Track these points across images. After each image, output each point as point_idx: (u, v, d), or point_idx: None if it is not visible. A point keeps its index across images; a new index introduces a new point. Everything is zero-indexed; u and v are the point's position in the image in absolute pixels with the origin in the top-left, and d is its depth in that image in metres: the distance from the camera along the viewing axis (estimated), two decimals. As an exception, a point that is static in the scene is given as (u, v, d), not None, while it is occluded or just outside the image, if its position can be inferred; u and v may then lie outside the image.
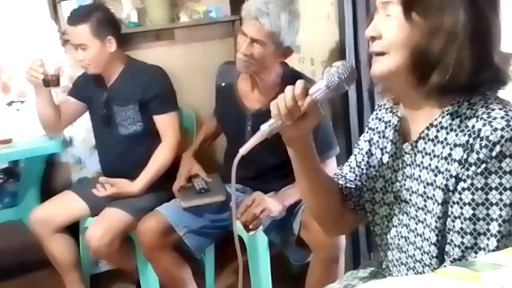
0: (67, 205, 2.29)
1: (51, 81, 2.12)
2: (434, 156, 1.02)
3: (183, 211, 2.03)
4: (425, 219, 1.04)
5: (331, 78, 1.03)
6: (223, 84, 2.13)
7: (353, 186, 1.24)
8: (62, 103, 2.38)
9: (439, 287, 0.69)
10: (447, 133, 1.00)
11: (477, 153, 0.93)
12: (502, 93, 1.03)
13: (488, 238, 0.94)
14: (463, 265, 0.75)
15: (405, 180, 1.10)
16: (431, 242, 1.03)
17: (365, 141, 1.24)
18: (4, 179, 2.61)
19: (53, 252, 2.27)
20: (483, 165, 0.92)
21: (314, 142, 1.13)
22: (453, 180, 0.97)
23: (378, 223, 1.19)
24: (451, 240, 0.98)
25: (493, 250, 0.93)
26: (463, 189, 0.95)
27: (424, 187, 1.04)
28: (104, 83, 2.31)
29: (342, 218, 1.26)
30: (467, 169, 0.94)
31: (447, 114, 1.01)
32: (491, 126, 0.92)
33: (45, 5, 2.56)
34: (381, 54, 1.01)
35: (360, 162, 1.24)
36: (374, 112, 1.24)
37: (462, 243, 0.96)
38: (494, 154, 0.91)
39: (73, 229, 2.34)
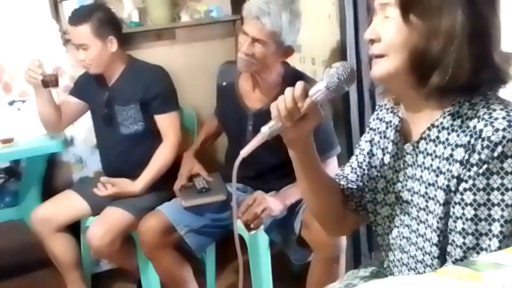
0: (68, 205, 2.29)
1: (49, 82, 2.12)
2: (436, 156, 1.02)
3: (184, 211, 2.03)
4: (426, 219, 1.04)
5: (331, 79, 1.03)
6: (224, 84, 2.14)
7: (355, 187, 1.24)
8: (63, 102, 2.38)
9: (440, 287, 0.69)
10: (449, 134, 1.00)
11: (479, 153, 0.93)
12: (503, 93, 1.03)
13: (490, 239, 0.94)
14: (464, 264, 0.75)
15: (406, 180, 1.10)
16: (432, 242, 1.03)
17: (366, 141, 1.24)
18: (5, 178, 2.62)
19: (54, 251, 2.27)
20: (485, 166, 0.92)
21: (315, 142, 1.13)
22: (454, 180, 0.97)
23: (380, 224, 1.19)
24: (453, 241, 0.98)
25: (495, 251, 0.92)
26: (465, 189, 0.95)
27: (426, 187, 1.04)
28: (105, 82, 2.31)
29: (344, 219, 1.26)
30: (469, 170, 0.94)
31: (448, 115, 1.01)
32: (493, 126, 0.92)
33: (46, 5, 2.56)
34: (380, 56, 1.01)
35: (361, 163, 1.24)
36: (375, 113, 1.24)
37: (464, 243, 0.96)
38: (495, 154, 0.91)
39: (74, 229, 2.34)
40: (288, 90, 1.03)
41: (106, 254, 2.26)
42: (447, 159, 0.99)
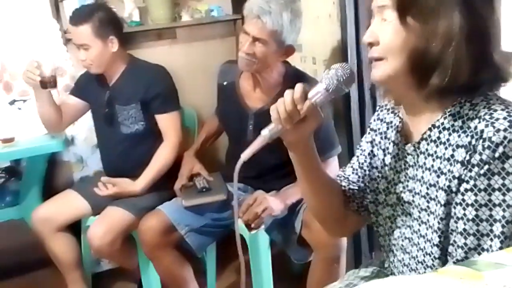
0: (69, 204, 2.29)
1: (48, 83, 2.12)
2: (437, 157, 1.02)
3: (184, 210, 2.04)
4: (428, 220, 1.04)
5: (330, 81, 1.03)
6: (225, 83, 2.13)
7: (356, 188, 1.24)
8: (63, 102, 2.38)
9: (441, 287, 0.69)
10: (450, 134, 1.00)
11: (480, 154, 0.93)
12: (504, 93, 1.02)
13: (491, 239, 0.94)
14: (465, 264, 0.75)
15: (407, 181, 1.10)
16: (433, 243, 1.03)
17: (367, 142, 1.24)
18: (6, 178, 2.62)
19: (55, 251, 2.28)
20: (486, 166, 0.92)
21: (316, 142, 1.13)
22: (456, 181, 0.97)
23: (382, 224, 1.19)
24: (454, 241, 0.98)
25: (497, 251, 0.92)
26: (466, 190, 0.95)
27: (427, 188, 1.04)
28: (106, 82, 2.31)
29: (345, 220, 1.26)
30: (470, 170, 0.94)
31: (449, 115, 1.00)
32: (494, 127, 0.92)
33: (47, 4, 2.56)
34: (380, 59, 1.01)
35: (362, 163, 1.24)
36: (376, 113, 1.24)
37: (465, 244, 0.96)
38: (497, 155, 0.91)
39: (75, 228, 2.34)
40: (288, 92, 1.03)
41: (107, 253, 2.26)
42: (448, 159, 0.99)
